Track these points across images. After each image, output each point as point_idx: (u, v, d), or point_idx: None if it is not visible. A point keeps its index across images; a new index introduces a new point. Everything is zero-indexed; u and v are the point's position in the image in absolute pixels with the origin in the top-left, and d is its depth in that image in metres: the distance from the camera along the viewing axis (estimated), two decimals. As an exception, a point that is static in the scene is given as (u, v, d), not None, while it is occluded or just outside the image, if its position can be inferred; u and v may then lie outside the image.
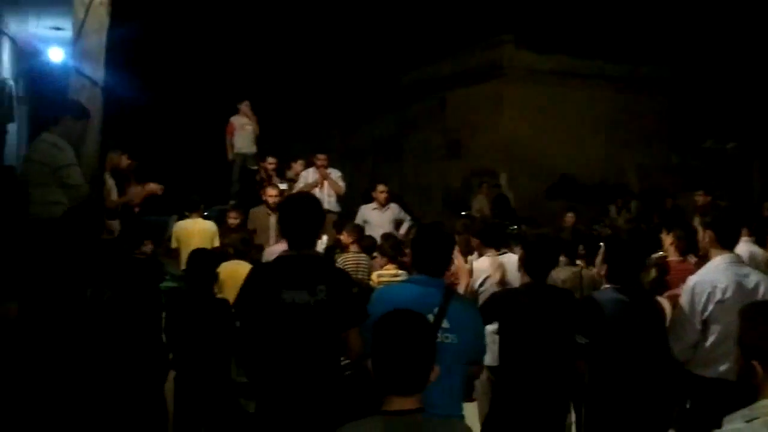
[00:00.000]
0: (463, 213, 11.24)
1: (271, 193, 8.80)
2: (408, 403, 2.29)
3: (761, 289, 3.85)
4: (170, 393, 4.49)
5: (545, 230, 4.33)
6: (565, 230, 6.44)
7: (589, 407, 3.99)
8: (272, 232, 8.24)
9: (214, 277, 4.73)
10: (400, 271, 6.25)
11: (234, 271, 5.32)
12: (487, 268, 5.48)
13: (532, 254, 3.96)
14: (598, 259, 4.12)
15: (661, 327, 3.97)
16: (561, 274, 5.27)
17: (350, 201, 10.00)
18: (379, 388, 2.34)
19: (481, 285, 5.46)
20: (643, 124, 16.33)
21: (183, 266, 8.13)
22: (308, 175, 9.90)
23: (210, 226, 8.34)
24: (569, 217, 8.40)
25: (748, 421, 2.11)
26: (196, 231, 8.17)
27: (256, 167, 11.50)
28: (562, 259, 5.56)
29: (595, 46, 15.75)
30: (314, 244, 3.68)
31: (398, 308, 2.46)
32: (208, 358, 4.43)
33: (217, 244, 7.86)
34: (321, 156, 9.82)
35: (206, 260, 4.75)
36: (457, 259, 5.93)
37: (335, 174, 9.86)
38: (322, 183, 9.66)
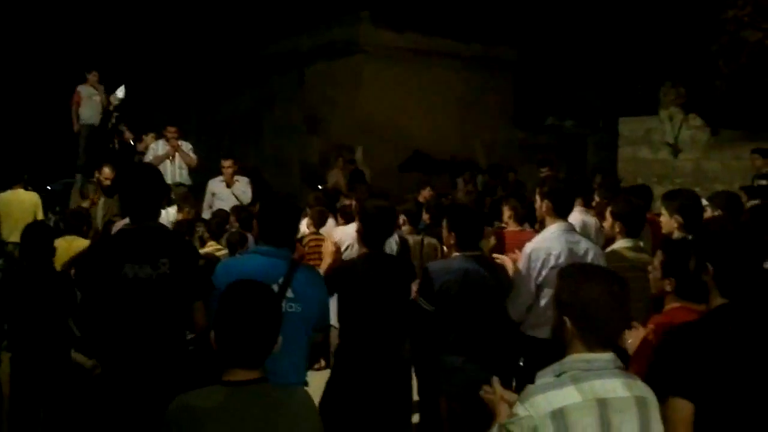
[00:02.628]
0: (320, 187, 11.24)
1: (107, 175, 8.45)
2: (250, 374, 2.25)
3: (590, 256, 4.09)
4: (5, 376, 4.22)
5: (381, 202, 4.39)
6: (410, 201, 6.58)
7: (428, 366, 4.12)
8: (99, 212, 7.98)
9: (52, 250, 4.46)
10: (223, 249, 6.13)
11: (67, 247, 5.07)
12: (352, 235, 5.54)
13: (368, 225, 4.04)
14: (444, 228, 4.23)
15: (503, 291, 4.14)
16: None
17: (210, 175, 9.73)
18: (222, 360, 2.29)
19: (346, 249, 5.56)
20: (491, 102, 16.92)
21: (4, 238, 7.72)
22: (158, 147, 9.56)
23: (32, 197, 7.96)
24: (426, 191, 8.56)
25: (557, 375, 2.21)
26: (16, 202, 7.75)
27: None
28: (408, 228, 5.72)
29: (448, 26, 16.12)
30: (157, 216, 3.55)
31: (243, 279, 2.42)
32: (49, 337, 4.18)
33: (40, 216, 7.50)
34: (171, 128, 9.53)
35: (43, 233, 4.45)
36: (326, 241, 5.98)
37: (186, 146, 9.61)
38: (173, 155, 9.36)
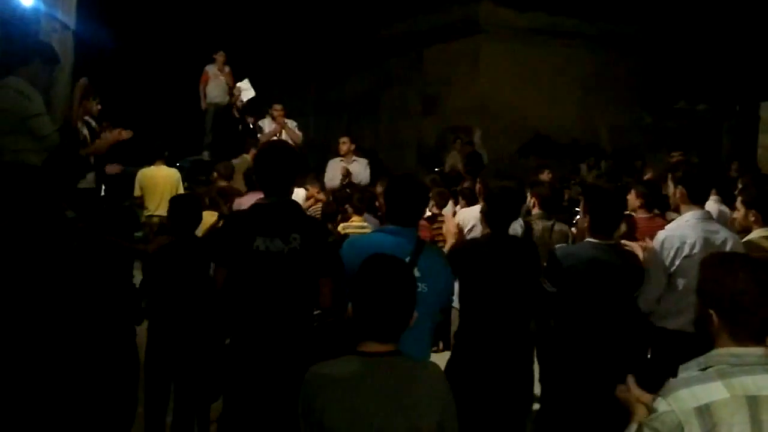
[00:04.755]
0: (436, 169, 11.27)
1: None
2: (385, 347, 2.31)
3: (728, 246, 3.91)
4: (141, 344, 4.39)
5: (508, 183, 4.36)
6: (541, 186, 6.48)
7: (554, 356, 4.08)
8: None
9: (199, 222, 4.59)
10: (365, 224, 6.30)
11: (205, 222, 5.29)
12: (476, 216, 5.55)
13: (493, 206, 4.02)
14: (581, 212, 4.16)
15: (633, 280, 4.03)
16: (534, 226, 5.33)
17: (328, 155, 9.96)
18: (358, 333, 2.35)
19: (470, 231, 5.58)
20: (616, 84, 16.29)
21: (149, 213, 8.16)
22: (264, 126, 9.92)
23: (174, 172, 8.34)
24: (545, 174, 8.44)
25: (702, 369, 2.13)
26: (160, 177, 8.15)
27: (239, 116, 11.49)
28: (537, 212, 5.64)
29: (571, 4, 15.64)
30: (289, 192, 3.67)
31: (381, 253, 2.47)
32: (186, 308, 4.32)
33: (182, 191, 7.85)
34: (277, 106, 9.91)
35: (192, 205, 4.62)
36: (447, 221, 6.03)
37: (292, 124, 9.93)
38: (280, 132, 9.67)
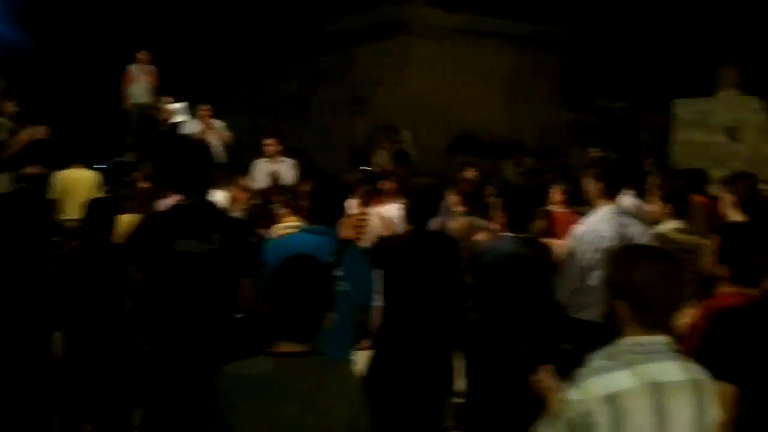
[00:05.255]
0: (363, 168, 11.24)
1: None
2: (299, 347, 2.28)
3: (640, 239, 4.01)
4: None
5: (428, 180, 4.42)
6: (464, 183, 6.55)
7: (476, 349, 4.12)
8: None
9: (112, 224, 4.41)
10: (300, 224, 6.22)
11: (127, 225, 5.13)
12: (396, 214, 5.55)
13: (415, 202, 4.06)
14: (495, 208, 4.23)
15: (550, 273, 4.12)
16: (454, 223, 5.38)
17: (258, 155, 9.81)
18: (272, 333, 2.32)
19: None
20: (540, 83, 16.64)
21: (65, 216, 7.88)
22: (190, 127, 9.74)
23: (92, 175, 8.07)
24: (470, 172, 8.52)
25: (611, 359, 2.20)
26: (77, 180, 7.89)
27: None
28: (462, 209, 5.70)
29: (499, 5, 15.92)
30: (207, 192, 3.62)
31: (298, 253, 2.44)
32: (102, 314, 4.19)
33: (100, 194, 7.61)
34: (204, 107, 9.72)
35: (103, 208, 4.47)
36: (373, 219, 6.00)
37: (219, 124, 9.78)
38: (205, 133, 9.50)
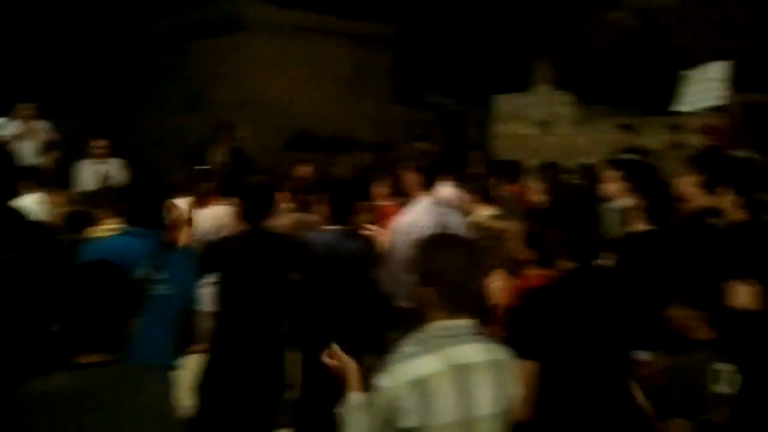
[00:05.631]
0: (199, 167, 10.90)
1: None
2: (100, 357, 2.14)
3: (456, 228, 4.17)
4: None
5: (261, 177, 4.33)
6: (294, 180, 6.49)
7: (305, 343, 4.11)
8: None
9: None
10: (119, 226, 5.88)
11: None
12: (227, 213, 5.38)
13: (249, 201, 3.96)
14: (320, 203, 4.22)
15: (373, 264, 4.17)
16: (283, 220, 5.32)
17: (88, 155, 9.23)
18: (73, 345, 2.17)
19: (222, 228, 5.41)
20: (373, 80, 16.98)
21: None
22: (10, 126, 8.98)
23: None
24: (305, 168, 8.47)
25: (418, 344, 2.25)
26: None
27: None
28: (291, 206, 5.64)
29: (331, 2, 16.05)
30: (8, 197, 3.34)
31: (92, 260, 2.31)
32: None
33: None
34: (24, 106, 8.99)
35: None
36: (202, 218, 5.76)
37: (44, 125, 9.12)
38: (26, 135, 8.83)
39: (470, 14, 16.36)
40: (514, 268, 3.68)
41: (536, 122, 12.76)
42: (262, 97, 15.18)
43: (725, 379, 2.91)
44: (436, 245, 2.35)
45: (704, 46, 13.12)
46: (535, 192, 4.50)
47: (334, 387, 3.81)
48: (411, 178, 4.31)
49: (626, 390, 2.56)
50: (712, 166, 4.49)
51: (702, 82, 8.74)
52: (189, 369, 3.85)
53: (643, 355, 3.13)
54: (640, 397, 2.92)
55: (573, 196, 2.71)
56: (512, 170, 6.06)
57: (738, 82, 8.88)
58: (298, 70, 15.73)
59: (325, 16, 16.24)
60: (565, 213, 2.60)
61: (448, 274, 2.25)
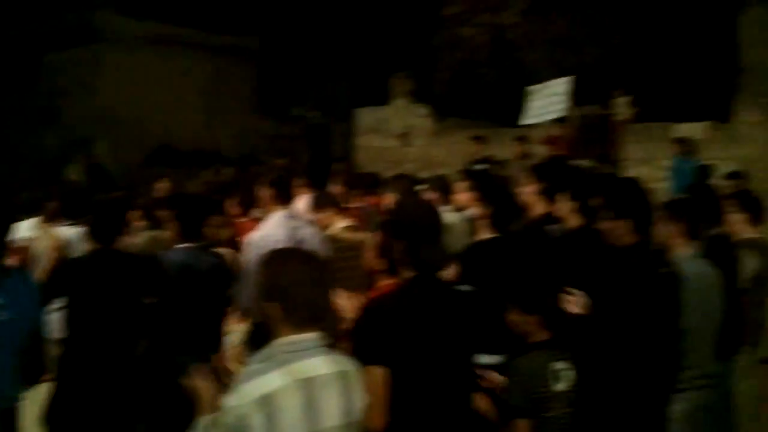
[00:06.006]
0: (52, 184, 10.30)
1: None
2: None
3: (311, 240, 4.19)
4: None
5: (113, 194, 4.13)
6: (147, 197, 6.26)
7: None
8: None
9: None
10: None
11: None
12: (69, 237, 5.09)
13: (99, 219, 3.76)
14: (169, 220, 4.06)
15: (229, 280, 4.08)
16: (137, 239, 5.11)
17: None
18: None
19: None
20: (237, 93, 16.75)
21: None
22: None
23: None
24: (163, 184, 8.19)
25: (264, 361, 2.22)
26: None
27: None
28: (143, 224, 5.42)
29: (192, 15, 15.69)
30: None
31: None
32: None
33: None
34: None
35: None
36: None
37: None
38: None
39: (332, 28, 16.48)
40: (370, 278, 3.71)
41: (395, 135, 13.01)
42: (120, 111, 14.61)
43: (563, 377, 3.08)
44: (279, 260, 2.32)
45: (547, 62, 13.89)
46: (389, 202, 4.56)
47: (189, 410, 3.71)
48: (265, 192, 4.27)
49: (466, 395, 2.64)
50: (551, 175, 4.76)
51: (545, 97, 9.26)
52: (36, 400, 3.61)
53: (486, 359, 3.25)
54: (483, 400, 3.02)
55: (414, 207, 2.76)
56: (370, 182, 6.14)
57: (577, 95, 9.47)
58: (158, 83, 15.30)
59: (187, 29, 15.89)
60: (405, 224, 2.64)
61: (292, 289, 2.23)
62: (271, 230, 4.13)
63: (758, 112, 9.88)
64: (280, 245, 4.00)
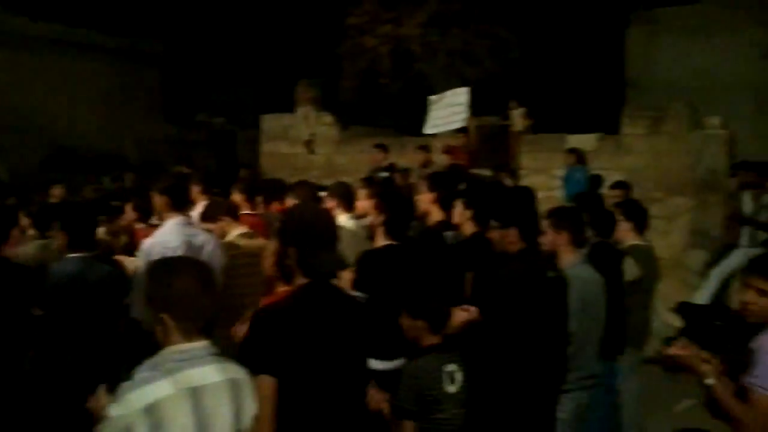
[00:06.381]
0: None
1: None
2: None
3: (207, 247, 4.11)
4: None
5: (11, 201, 3.92)
6: (36, 205, 5.94)
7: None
8: None
9: None
10: None
11: None
12: None
13: None
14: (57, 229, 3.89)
15: (125, 289, 3.94)
16: (28, 248, 4.86)
17: None
18: None
19: None
20: (140, 97, 16.28)
21: None
22: None
23: None
24: (58, 190, 7.84)
25: (150, 369, 2.15)
26: None
27: None
28: (32, 232, 5.15)
29: (89, 16, 15.15)
30: None
31: None
32: None
33: None
34: None
35: None
36: None
37: None
38: None
39: (238, 34, 16.28)
40: (268, 285, 3.66)
41: (301, 142, 12.93)
42: (14, 114, 13.89)
43: (454, 379, 3.14)
44: (166, 270, 2.26)
45: (446, 73, 14.20)
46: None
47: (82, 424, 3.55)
48: (159, 199, 4.16)
49: (358, 403, 2.64)
50: (447, 184, 4.86)
51: (445, 107, 9.44)
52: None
53: (381, 365, 3.28)
54: (379, 403, 3.04)
55: (306, 213, 2.74)
56: (276, 189, 6.04)
57: (476, 106, 9.70)
58: (56, 85, 14.71)
59: (87, 31, 15.32)
60: (297, 231, 2.61)
61: (178, 298, 2.18)
62: (164, 236, 4.01)
63: (643, 124, 10.38)
64: (173, 252, 3.92)
